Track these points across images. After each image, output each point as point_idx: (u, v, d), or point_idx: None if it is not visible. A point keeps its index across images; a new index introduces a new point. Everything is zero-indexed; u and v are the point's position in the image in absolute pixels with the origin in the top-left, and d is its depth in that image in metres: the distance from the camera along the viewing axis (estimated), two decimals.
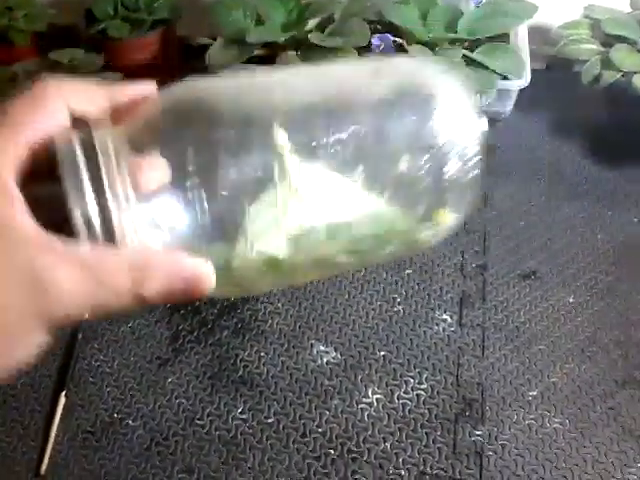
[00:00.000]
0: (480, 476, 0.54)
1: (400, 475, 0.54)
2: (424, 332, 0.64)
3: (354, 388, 0.59)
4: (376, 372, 0.60)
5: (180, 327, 0.65)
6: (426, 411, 0.58)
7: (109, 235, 0.24)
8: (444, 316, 0.65)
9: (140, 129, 0.27)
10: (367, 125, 0.29)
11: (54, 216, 0.23)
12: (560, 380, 0.60)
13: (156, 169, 0.25)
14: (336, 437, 0.56)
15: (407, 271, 0.70)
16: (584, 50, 0.80)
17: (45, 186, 0.24)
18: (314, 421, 0.57)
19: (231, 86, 0.30)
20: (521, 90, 0.75)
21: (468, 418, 0.58)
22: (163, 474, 0.54)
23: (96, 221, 0.24)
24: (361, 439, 0.56)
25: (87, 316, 0.24)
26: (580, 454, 0.55)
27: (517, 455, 0.55)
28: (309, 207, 0.28)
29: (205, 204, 0.26)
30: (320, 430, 0.57)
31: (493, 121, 0.76)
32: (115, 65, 0.78)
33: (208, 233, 0.27)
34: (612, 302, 0.65)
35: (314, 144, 0.28)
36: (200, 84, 0.29)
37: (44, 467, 0.55)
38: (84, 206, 0.23)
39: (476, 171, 0.30)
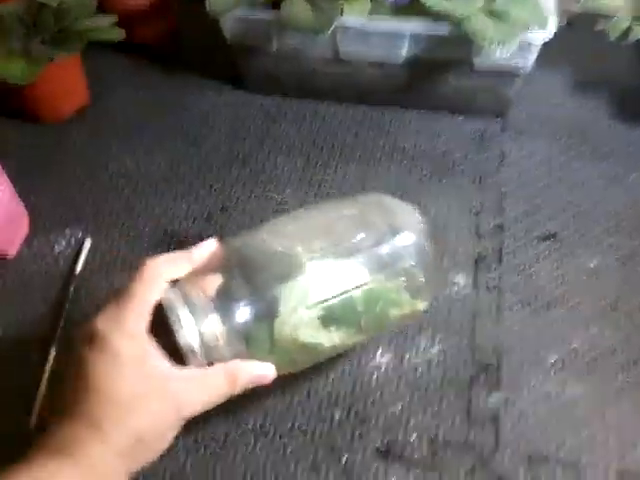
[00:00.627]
0: (496, 444, 0.51)
1: (410, 441, 0.51)
2: None
3: (362, 350, 0.56)
4: (385, 334, 0.57)
5: None
6: (438, 375, 0.55)
7: (205, 349, 0.39)
8: (458, 278, 0.62)
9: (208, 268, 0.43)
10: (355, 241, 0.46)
11: (173, 348, 0.38)
12: (581, 346, 0.57)
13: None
14: (343, 399, 0.53)
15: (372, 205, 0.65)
16: (611, 5, 0.75)
17: (164, 332, 0.38)
18: (320, 382, 0.54)
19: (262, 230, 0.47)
20: (544, 44, 0.71)
21: (483, 383, 0.54)
22: None
23: (195, 344, 0.38)
24: (369, 402, 0.53)
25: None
26: (601, 423, 0.52)
27: (535, 423, 0.52)
28: (322, 288, 0.43)
29: (249, 297, 0.41)
30: (326, 391, 0.53)
31: (512, 75, 0.71)
32: (110, 9, 0.73)
33: (254, 319, 0.41)
34: (636, 267, 0.62)
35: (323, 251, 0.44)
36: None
37: (33, 421, 0.51)
38: (184, 337, 0.38)
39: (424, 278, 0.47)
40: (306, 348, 0.43)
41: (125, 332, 0.36)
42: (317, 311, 0.42)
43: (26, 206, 0.65)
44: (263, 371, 0.41)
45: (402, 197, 0.68)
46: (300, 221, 0.48)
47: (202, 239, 0.64)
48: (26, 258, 0.63)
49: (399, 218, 0.48)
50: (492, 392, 0.54)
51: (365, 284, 0.44)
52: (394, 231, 0.46)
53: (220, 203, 0.68)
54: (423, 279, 0.47)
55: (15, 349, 0.56)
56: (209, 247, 0.43)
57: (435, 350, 0.56)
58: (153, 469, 0.48)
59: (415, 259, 0.46)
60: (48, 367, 0.54)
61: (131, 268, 0.62)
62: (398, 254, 0.46)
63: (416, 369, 0.55)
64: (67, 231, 0.65)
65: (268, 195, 0.69)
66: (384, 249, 0.45)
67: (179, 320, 0.38)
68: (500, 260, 0.63)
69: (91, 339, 0.36)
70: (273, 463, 0.49)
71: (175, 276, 0.40)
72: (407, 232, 0.46)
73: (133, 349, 0.36)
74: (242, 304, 0.40)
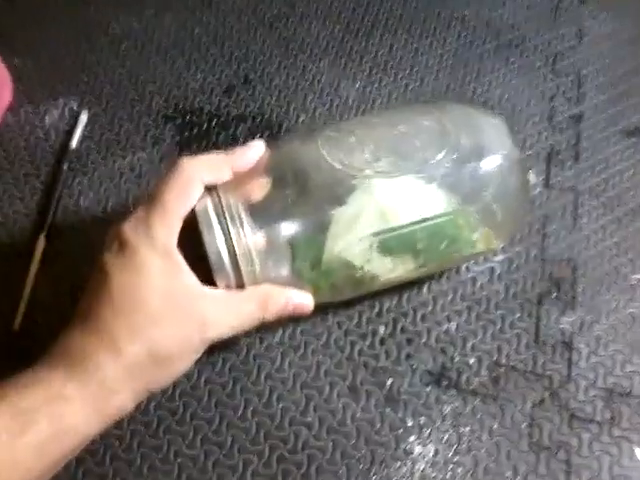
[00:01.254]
0: (568, 372, 0.42)
1: (467, 364, 0.42)
2: None
3: None
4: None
5: None
6: (502, 288, 0.46)
7: (235, 268, 0.34)
8: (527, 175, 0.51)
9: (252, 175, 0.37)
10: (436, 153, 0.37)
11: (204, 264, 0.34)
12: None
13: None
14: (387, 311, 0.44)
15: (456, 115, 0.54)
16: None
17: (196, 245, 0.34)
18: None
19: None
20: None
21: (555, 301, 0.45)
22: None
23: (226, 261, 0.34)
24: (418, 317, 0.44)
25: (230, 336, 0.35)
26: None
27: (614, 351, 0.43)
28: (384, 215, 0.36)
29: (301, 212, 0.36)
30: (367, 303, 0.44)
31: None
32: None
33: (303, 237, 0.36)
34: None
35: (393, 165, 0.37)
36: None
37: (17, 322, 0.43)
38: (214, 253, 0.33)
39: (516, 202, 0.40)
40: (355, 274, 0.37)
41: (155, 245, 0.32)
42: (373, 239, 0.36)
43: (9, 70, 0.54)
44: (300, 300, 0.36)
45: (461, 76, 0.57)
46: (367, 130, 0.40)
47: (220, 116, 0.55)
48: (11, 130, 0.53)
49: (487, 138, 0.39)
50: (565, 312, 0.45)
51: (434, 217, 0.37)
52: (479, 153, 0.38)
53: (242, 74, 0.57)
54: (504, 214, 0.39)
55: None
56: (257, 151, 0.37)
57: (499, 258, 0.47)
58: None
59: (499, 189, 0.38)
60: (36, 260, 0.45)
61: (134, 148, 0.53)
62: (481, 182, 0.38)
63: (475, 280, 0.46)
64: (60, 101, 0.55)
65: (300, 66, 0.57)
66: (465, 174, 0.37)
67: (211, 233, 0.33)
68: (577, 156, 0.53)
69: (119, 246, 0.33)
70: (303, 384, 0.41)
71: (214, 182, 0.35)
72: (494, 156, 0.38)
73: (162, 263, 0.32)
74: (290, 220, 0.35)
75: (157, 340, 0.32)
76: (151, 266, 0.32)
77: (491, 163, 0.38)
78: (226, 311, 0.34)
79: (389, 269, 0.38)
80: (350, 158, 0.37)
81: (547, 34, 0.60)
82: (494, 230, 0.40)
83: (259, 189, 0.36)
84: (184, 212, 0.34)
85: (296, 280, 0.36)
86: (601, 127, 0.54)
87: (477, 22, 0.61)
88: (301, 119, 0.54)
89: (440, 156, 0.37)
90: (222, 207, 0.34)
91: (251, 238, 0.34)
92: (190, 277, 0.33)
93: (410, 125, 0.40)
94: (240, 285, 0.35)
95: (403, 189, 0.37)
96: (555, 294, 0.45)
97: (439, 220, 0.37)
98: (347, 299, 0.42)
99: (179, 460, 0.39)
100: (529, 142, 0.53)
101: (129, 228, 0.33)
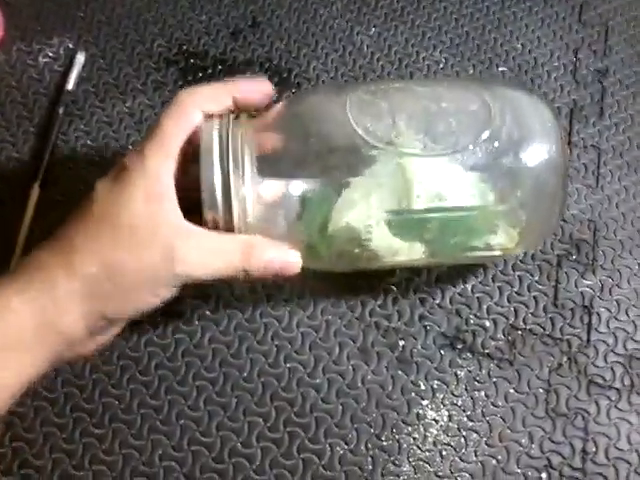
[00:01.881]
0: (588, 337, 0.41)
1: (483, 326, 0.41)
2: None
3: None
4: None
5: None
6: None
7: (227, 208, 0.31)
8: None
9: (267, 122, 0.34)
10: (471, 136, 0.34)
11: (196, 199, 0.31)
12: None
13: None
14: (399, 270, 0.42)
15: (501, 68, 0.52)
16: None
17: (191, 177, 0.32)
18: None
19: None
20: None
21: (575, 263, 0.43)
22: None
23: (218, 197, 0.31)
24: (433, 277, 0.42)
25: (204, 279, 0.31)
26: None
27: (636, 315, 0.42)
28: (403, 193, 0.33)
29: (314, 173, 0.33)
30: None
31: None
32: None
33: (312, 197, 0.33)
34: None
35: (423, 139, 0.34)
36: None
37: (12, 268, 0.41)
38: (211, 185, 0.31)
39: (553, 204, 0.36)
40: (358, 248, 0.34)
41: (146, 170, 0.31)
42: (386, 216, 0.33)
43: None
44: (287, 257, 0.33)
45: (481, 25, 0.54)
46: (402, 99, 0.36)
47: (226, 60, 0.51)
48: (2, 68, 0.50)
49: (534, 130, 0.35)
50: (585, 275, 0.43)
51: (454, 209, 0.34)
52: (523, 146, 0.34)
53: (250, 16, 0.53)
54: (535, 218, 0.36)
55: None
56: (261, 85, 0.35)
57: None
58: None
59: (535, 190, 0.35)
60: (30, 210, 0.43)
61: (134, 92, 0.50)
62: (517, 178, 0.34)
63: None
64: (55, 40, 0.51)
65: (311, 10, 0.54)
66: (502, 167, 0.34)
67: (209, 165, 0.31)
68: (601, 113, 0.50)
69: (115, 173, 0.32)
70: (312, 344, 0.39)
71: (214, 110, 0.33)
72: (539, 153, 0.34)
73: (147, 187, 0.31)
74: (300, 178, 0.33)
75: (118, 263, 0.30)
76: (135, 189, 0.31)
77: (534, 159, 0.34)
78: (201, 250, 0.31)
79: (394, 251, 0.35)
80: (378, 127, 0.33)
81: None
82: (520, 234, 0.36)
83: (273, 140, 0.33)
84: (181, 139, 0.32)
85: (294, 241, 0.33)
86: (628, 83, 0.52)
87: None
88: (312, 65, 0.51)
89: (478, 142, 0.33)
90: (228, 144, 0.32)
91: (251, 184, 0.31)
92: (172, 206, 0.31)
93: (451, 102, 0.35)
94: (228, 229, 0.32)
95: (428, 171, 0.33)
96: (575, 256, 0.44)
97: (460, 213, 0.34)
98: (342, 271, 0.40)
99: (181, 422, 0.37)
100: (551, 96, 0.50)
101: (127, 157, 0.32)
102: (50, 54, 0.50)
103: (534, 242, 0.40)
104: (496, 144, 0.34)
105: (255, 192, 0.32)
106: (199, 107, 0.33)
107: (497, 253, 0.36)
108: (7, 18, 0.51)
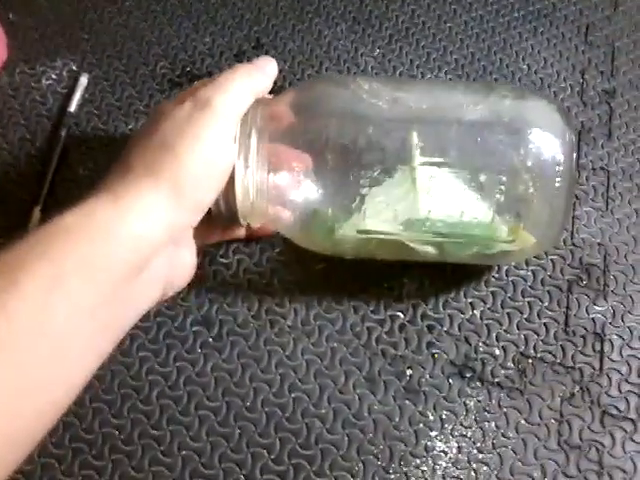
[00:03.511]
0: (600, 365, 0.40)
1: (492, 354, 0.40)
2: None
3: None
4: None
5: None
6: (529, 274, 0.43)
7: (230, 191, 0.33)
8: None
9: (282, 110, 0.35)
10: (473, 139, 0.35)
11: None
12: None
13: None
14: (407, 296, 0.41)
15: (503, 92, 0.51)
16: None
17: None
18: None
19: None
20: None
21: (585, 288, 0.42)
22: (172, 323, 0.40)
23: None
24: (440, 303, 0.41)
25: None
26: None
27: None
28: (424, 199, 0.34)
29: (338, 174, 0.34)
30: (385, 286, 0.41)
31: None
32: None
33: (323, 202, 0.34)
34: None
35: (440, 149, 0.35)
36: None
37: None
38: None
39: (559, 199, 0.35)
40: (367, 246, 0.36)
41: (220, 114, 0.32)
42: (400, 226, 0.35)
43: (3, 26, 0.51)
44: None
45: (487, 46, 0.54)
46: (420, 102, 0.36)
47: None
48: (5, 90, 0.49)
49: (543, 133, 0.35)
50: (596, 301, 0.42)
51: (470, 220, 0.35)
52: (528, 147, 0.34)
53: (253, 38, 0.53)
54: (543, 218, 0.36)
55: None
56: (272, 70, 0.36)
57: None
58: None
59: (547, 188, 0.35)
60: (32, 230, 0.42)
61: (137, 114, 0.50)
62: (530, 174, 0.34)
63: (500, 265, 0.43)
64: (58, 62, 0.51)
65: (315, 31, 0.54)
66: (515, 169, 0.34)
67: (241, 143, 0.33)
68: (609, 134, 0.49)
69: (193, 99, 0.32)
70: (317, 372, 0.38)
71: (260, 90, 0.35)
72: (546, 153, 0.34)
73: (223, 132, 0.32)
74: (315, 183, 0.33)
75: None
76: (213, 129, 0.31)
77: (542, 162, 0.34)
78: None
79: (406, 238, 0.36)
80: (395, 143, 0.34)
81: (579, 3, 0.57)
82: (531, 229, 0.36)
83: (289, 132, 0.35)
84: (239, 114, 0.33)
85: (299, 230, 0.35)
86: (636, 104, 0.51)
87: None
88: None
89: (487, 152, 0.34)
90: (250, 131, 0.33)
91: (257, 172, 0.33)
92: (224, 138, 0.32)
93: (463, 109, 0.36)
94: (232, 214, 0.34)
95: (446, 183, 0.34)
96: (585, 281, 0.43)
97: (474, 222, 0.35)
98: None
99: (183, 453, 0.36)
100: None
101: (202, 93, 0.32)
102: (53, 76, 0.50)
103: (548, 243, 0.40)
104: (502, 148, 0.34)
105: (262, 180, 0.33)
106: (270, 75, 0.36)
107: (511, 248, 0.36)
108: (11, 40, 0.51)
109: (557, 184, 0.34)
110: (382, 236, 0.35)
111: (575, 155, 0.35)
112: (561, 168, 0.34)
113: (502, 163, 0.34)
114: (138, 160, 0.30)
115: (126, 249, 0.28)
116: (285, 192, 0.34)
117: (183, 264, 0.34)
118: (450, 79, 0.51)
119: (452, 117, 0.35)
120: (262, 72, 0.35)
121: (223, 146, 0.31)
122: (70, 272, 0.26)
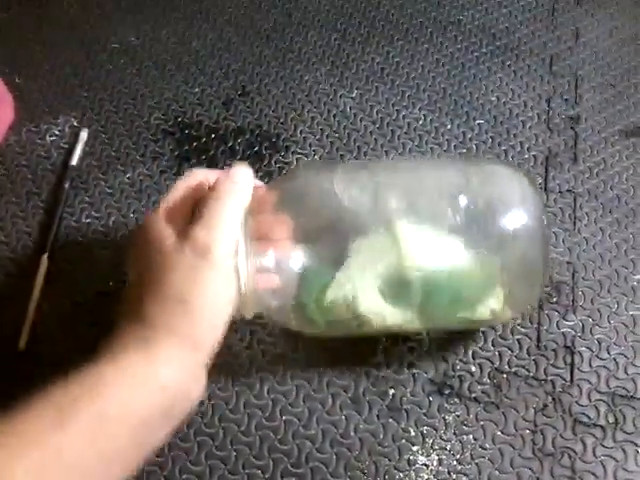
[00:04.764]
0: (571, 377, 0.42)
1: (470, 371, 0.43)
2: None
3: None
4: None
5: None
6: None
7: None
8: None
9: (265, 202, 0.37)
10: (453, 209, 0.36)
11: None
12: None
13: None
14: None
15: (478, 121, 0.55)
16: None
17: None
18: None
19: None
20: None
21: (556, 305, 0.45)
22: None
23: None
24: None
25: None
26: None
27: (618, 354, 0.43)
28: (396, 261, 0.36)
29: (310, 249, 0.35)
30: None
31: None
32: None
33: (309, 272, 0.36)
34: None
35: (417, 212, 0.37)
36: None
37: (23, 341, 0.44)
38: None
39: (534, 269, 0.37)
40: (355, 317, 0.37)
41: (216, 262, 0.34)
42: (381, 285, 0.36)
43: (10, 89, 0.55)
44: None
45: (457, 81, 0.57)
46: (384, 174, 0.39)
47: (218, 129, 0.55)
48: (13, 148, 0.53)
49: (514, 201, 0.37)
50: (566, 316, 0.45)
51: (442, 270, 0.36)
52: (499, 211, 0.37)
53: (240, 86, 0.57)
54: (519, 279, 0.38)
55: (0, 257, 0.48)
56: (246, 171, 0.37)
57: None
58: None
59: (517, 250, 0.37)
60: (39, 281, 0.46)
61: (134, 163, 0.53)
62: (499, 239, 0.36)
63: None
64: (60, 119, 0.55)
65: (297, 76, 0.58)
66: (483, 230, 0.36)
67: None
68: (575, 158, 0.53)
69: (191, 245, 0.33)
70: (306, 396, 0.42)
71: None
72: (515, 216, 0.37)
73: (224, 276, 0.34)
74: (296, 253, 0.36)
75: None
76: (221, 266, 0.34)
77: (510, 225, 0.36)
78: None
79: (386, 318, 0.37)
80: (365, 201, 0.37)
81: (543, 36, 0.61)
82: (505, 298, 0.38)
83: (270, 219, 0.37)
84: (192, 202, 0.36)
85: (295, 311, 0.36)
86: (599, 128, 0.54)
87: (473, 26, 0.61)
88: (299, 129, 0.54)
89: (457, 210, 0.36)
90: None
91: (246, 259, 0.34)
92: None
93: (432, 175, 0.39)
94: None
95: (417, 238, 0.36)
96: (556, 298, 0.46)
97: (449, 274, 0.36)
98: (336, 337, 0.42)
99: (184, 477, 0.39)
100: (527, 145, 0.53)
101: (199, 229, 0.34)
102: (57, 132, 0.54)
103: (520, 307, 0.41)
104: (474, 211, 0.36)
105: (252, 266, 0.34)
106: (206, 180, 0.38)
107: (488, 315, 0.38)
108: (17, 101, 0.55)
109: (531, 252, 0.37)
110: (366, 305, 0.36)
111: (544, 218, 0.37)
112: (533, 234, 0.36)
113: (482, 240, 0.37)
114: (157, 316, 0.33)
115: (158, 397, 0.32)
116: (274, 269, 0.36)
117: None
118: (424, 115, 0.55)
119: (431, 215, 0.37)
120: (241, 188, 0.36)
121: (228, 291, 0.34)
122: (112, 418, 0.30)
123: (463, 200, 0.36)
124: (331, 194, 0.36)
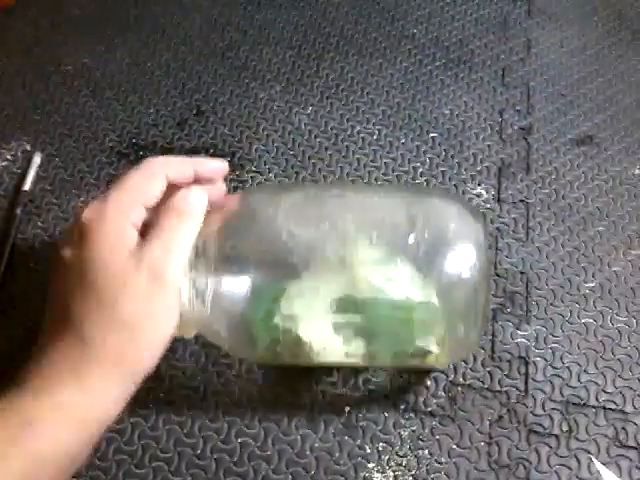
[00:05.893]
0: (526, 387, 0.43)
1: (425, 385, 0.43)
2: None
3: None
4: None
5: None
6: None
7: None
8: (478, 190, 0.52)
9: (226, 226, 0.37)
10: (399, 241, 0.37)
11: None
12: (624, 269, 0.48)
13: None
14: None
15: (432, 134, 0.55)
16: None
17: None
18: None
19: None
20: None
21: (510, 315, 0.46)
22: None
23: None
24: None
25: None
26: None
27: (571, 362, 0.44)
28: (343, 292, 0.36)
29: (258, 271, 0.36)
30: None
31: None
32: None
33: (255, 296, 0.36)
34: None
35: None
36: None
37: None
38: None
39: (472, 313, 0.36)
40: (299, 346, 0.36)
41: (107, 231, 0.33)
42: (327, 316, 0.36)
43: None
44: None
45: (411, 95, 0.58)
46: (332, 203, 0.39)
47: (173, 149, 0.55)
48: None
49: (456, 245, 0.36)
50: (520, 326, 0.45)
51: (386, 303, 0.36)
52: (445, 246, 0.36)
53: (194, 106, 0.57)
54: (455, 321, 0.37)
55: None
56: (219, 165, 0.39)
57: None
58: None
59: (463, 295, 0.36)
60: None
61: (88, 187, 0.53)
62: (438, 282, 0.36)
63: None
64: (13, 143, 0.55)
65: (252, 94, 0.58)
66: (427, 265, 0.36)
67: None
68: (527, 169, 0.53)
69: (149, 266, 0.33)
70: (262, 417, 0.41)
71: (178, 177, 0.36)
72: (458, 267, 0.36)
73: (112, 243, 0.33)
74: (244, 273, 0.36)
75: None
76: (100, 252, 0.33)
77: (451, 268, 0.36)
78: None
79: (336, 349, 0.37)
80: (310, 231, 0.36)
81: (496, 48, 0.61)
82: (443, 341, 0.37)
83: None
84: (147, 196, 0.35)
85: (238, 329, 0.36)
86: (551, 138, 0.55)
87: (426, 40, 0.62)
88: (254, 147, 0.54)
89: (404, 241, 0.36)
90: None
91: (190, 276, 0.34)
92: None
93: (380, 210, 0.39)
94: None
95: (363, 270, 0.35)
96: (509, 309, 0.46)
97: (392, 307, 0.36)
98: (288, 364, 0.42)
99: None
100: (480, 157, 0.54)
101: (87, 214, 0.34)
102: (8, 157, 0.54)
103: (458, 352, 0.40)
104: (415, 252, 0.36)
105: (199, 284, 0.34)
106: (163, 173, 0.36)
107: (429, 356, 0.37)
108: None
109: (470, 296, 0.36)
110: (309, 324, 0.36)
111: (487, 258, 0.37)
112: (472, 279, 0.35)
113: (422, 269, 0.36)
114: (100, 340, 0.32)
115: (91, 432, 0.32)
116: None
117: None
118: (379, 130, 0.55)
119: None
120: (199, 212, 0.35)
121: (175, 318, 0.34)
122: (46, 459, 0.30)
123: (407, 236, 0.36)
124: (275, 225, 0.36)
